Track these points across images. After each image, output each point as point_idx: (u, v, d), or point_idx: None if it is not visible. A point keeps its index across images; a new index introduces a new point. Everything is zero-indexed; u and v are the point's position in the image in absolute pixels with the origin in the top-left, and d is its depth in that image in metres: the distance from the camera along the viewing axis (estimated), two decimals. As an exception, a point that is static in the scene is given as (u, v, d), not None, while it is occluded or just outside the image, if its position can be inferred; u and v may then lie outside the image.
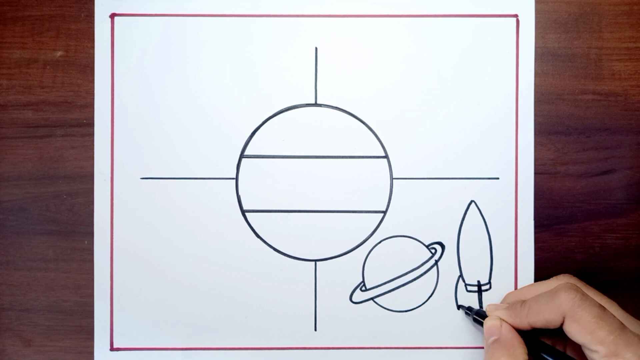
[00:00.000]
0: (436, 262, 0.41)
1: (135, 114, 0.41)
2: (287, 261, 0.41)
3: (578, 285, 0.35)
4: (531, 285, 0.39)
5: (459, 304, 0.41)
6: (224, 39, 0.41)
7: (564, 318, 0.33)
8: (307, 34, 0.41)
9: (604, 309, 0.33)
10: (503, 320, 0.36)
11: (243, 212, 0.41)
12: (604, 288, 0.41)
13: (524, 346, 0.35)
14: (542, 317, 0.34)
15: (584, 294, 0.33)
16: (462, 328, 0.41)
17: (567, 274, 0.38)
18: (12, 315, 0.41)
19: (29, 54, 0.41)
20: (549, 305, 0.34)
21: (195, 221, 0.41)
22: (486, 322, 0.37)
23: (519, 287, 0.40)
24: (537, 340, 0.36)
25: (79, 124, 0.41)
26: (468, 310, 0.40)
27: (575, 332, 0.32)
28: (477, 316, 0.39)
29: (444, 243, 0.41)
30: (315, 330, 0.41)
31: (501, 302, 0.39)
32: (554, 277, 0.38)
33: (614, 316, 0.32)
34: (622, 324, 0.32)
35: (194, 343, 0.41)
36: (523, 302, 0.36)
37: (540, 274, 0.41)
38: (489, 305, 0.39)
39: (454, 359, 0.40)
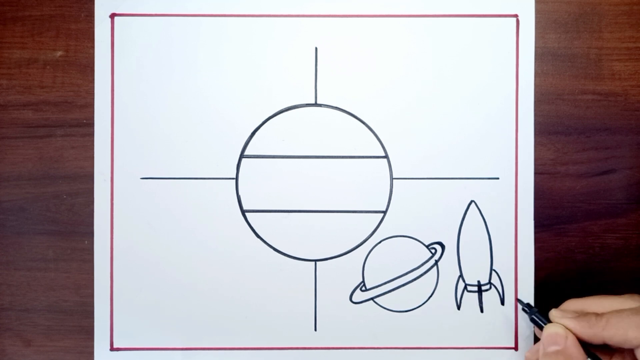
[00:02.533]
0: (436, 262, 0.41)
1: (135, 114, 0.41)
2: (287, 261, 0.41)
3: None
4: (598, 297, 0.37)
5: (519, 298, 0.40)
6: (224, 39, 0.41)
7: None
8: (307, 34, 0.41)
9: None
10: (569, 330, 0.34)
11: (243, 212, 0.41)
12: (604, 288, 0.41)
13: None
14: (623, 333, 0.32)
15: None
16: (462, 328, 0.41)
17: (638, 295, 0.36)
18: (12, 315, 0.41)
19: (29, 54, 0.41)
20: (635, 324, 0.32)
21: (195, 221, 0.41)
22: (550, 327, 0.35)
23: (519, 287, 0.40)
24: None
25: (79, 124, 0.41)
26: (526, 307, 0.38)
27: None
28: (538, 318, 0.37)
29: (444, 243, 0.41)
30: (315, 330, 0.41)
31: (560, 308, 0.37)
32: (628, 295, 0.36)
33: None
34: None
35: (194, 343, 0.41)
36: (598, 314, 0.34)
37: (540, 274, 0.41)
38: (554, 311, 0.36)
39: (454, 359, 0.40)
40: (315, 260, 0.41)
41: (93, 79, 0.41)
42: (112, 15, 0.41)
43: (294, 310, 0.41)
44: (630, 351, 0.34)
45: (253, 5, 0.41)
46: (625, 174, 0.41)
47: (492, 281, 0.41)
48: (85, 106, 0.41)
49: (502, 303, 0.40)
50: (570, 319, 0.35)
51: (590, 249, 0.41)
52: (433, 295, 0.41)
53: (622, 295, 0.36)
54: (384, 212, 0.41)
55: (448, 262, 0.41)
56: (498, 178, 0.41)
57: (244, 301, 0.41)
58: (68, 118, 0.41)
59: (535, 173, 0.41)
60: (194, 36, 0.41)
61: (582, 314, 0.35)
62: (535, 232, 0.41)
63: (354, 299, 0.41)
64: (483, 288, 0.41)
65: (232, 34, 0.41)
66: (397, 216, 0.41)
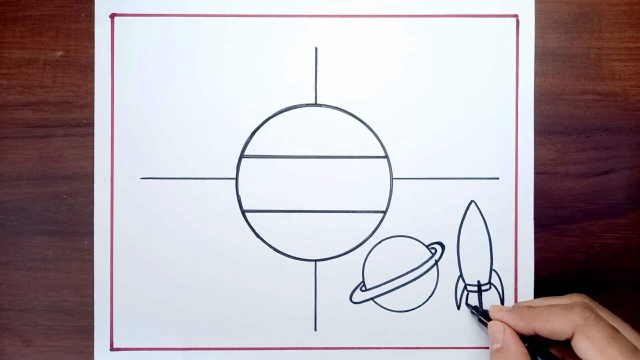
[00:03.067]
0: (436, 262, 0.41)
1: (135, 114, 0.41)
2: (287, 261, 0.41)
3: (592, 305, 0.35)
4: (543, 298, 0.38)
5: (467, 302, 0.41)
6: (224, 39, 0.41)
7: (573, 333, 0.33)
8: (307, 34, 0.41)
9: (617, 331, 0.33)
10: (506, 324, 0.36)
11: (243, 212, 0.41)
12: (604, 288, 0.41)
13: (529, 357, 0.35)
14: (550, 325, 0.34)
15: (598, 315, 0.33)
16: (462, 328, 0.41)
17: (581, 294, 0.37)
18: (12, 315, 0.41)
19: (29, 54, 0.41)
20: (563, 317, 0.34)
21: (195, 221, 0.41)
22: (490, 325, 0.37)
23: (519, 287, 0.40)
24: (542, 348, 0.35)
25: (79, 124, 0.41)
26: (474, 310, 0.40)
27: (585, 349, 0.32)
28: (483, 317, 0.39)
29: (444, 243, 0.41)
30: (315, 330, 0.41)
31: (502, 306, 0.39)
32: (568, 295, 0.37)
33: (627, 339, 0.32)
34: (634, 347, 0.32)
35: (194, 343, 0.41)
36: (531, 307, 0.36)
37: (540, 274, 0.41)
38: (492, 306, 0.39)
39: (454, 359, 0.40)
40: (315, 260, 0.41)
41: (93, 79, 0.41)
42: (112, 15, 0.41)
43: (294, 310, 0.41)
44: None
45: (253, 5, 0.41)
46: (625, 174, 0.41)
47: (492, 281, 0.41)
48: (85, 106, 0.41)
49: (502, 303, 0.40)
50: (505, 312, 0.37)
51: (590, 249, 0.41)
52: (433, 295, 0.41)
53: (563, 296, 0.38)
54: (384, 212, 0.41)
55: (448, 262, 0.41)
56: (498, 178, 0.41)
57: (244, 301, 0.41)
58: (68, 118, 0.41)
59: (535, 173, 0.41)
60: (194, 36, 0.41)
61: (517, 307, 0.37)
62: (535, 232, 0.41)
63: (354, 299, 0.41)
64: (483, 288, 0.41)
65: (232, 34, 0.41)
66: (397, 216, 0.41)
